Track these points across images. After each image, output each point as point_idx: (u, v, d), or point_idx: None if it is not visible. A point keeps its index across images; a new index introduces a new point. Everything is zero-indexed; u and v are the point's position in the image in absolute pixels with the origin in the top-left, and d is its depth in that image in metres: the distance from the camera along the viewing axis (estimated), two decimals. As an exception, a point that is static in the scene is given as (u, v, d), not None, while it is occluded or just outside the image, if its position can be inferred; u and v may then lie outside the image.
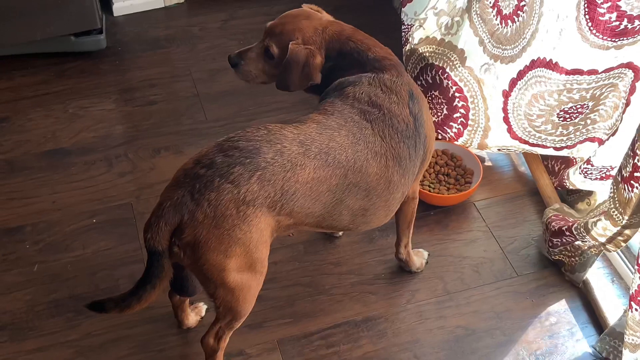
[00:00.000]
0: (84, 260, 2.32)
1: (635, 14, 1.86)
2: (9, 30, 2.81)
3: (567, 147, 2.39)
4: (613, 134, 2.16)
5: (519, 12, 2.23)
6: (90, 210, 2.46)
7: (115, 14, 3.24)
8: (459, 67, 2.48)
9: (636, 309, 1.85)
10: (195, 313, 2.17)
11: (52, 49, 2.97)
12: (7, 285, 2.25)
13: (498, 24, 2.32)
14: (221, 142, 1.73)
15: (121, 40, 3.14)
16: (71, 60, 3.00)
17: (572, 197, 2.46)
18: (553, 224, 2.27)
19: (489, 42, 2.37)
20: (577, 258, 2.22)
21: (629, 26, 1.91)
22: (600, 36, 1.96)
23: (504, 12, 2.28)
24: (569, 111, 2.25)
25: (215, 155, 1.69)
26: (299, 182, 1.73)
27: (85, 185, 2.55)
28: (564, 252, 2.26)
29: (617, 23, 1.91)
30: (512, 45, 2.29)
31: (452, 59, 2.50)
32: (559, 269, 2.33)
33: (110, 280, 2.26)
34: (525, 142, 2.44)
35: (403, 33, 2.65)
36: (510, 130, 2.44)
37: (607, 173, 2.23)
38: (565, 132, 2.34)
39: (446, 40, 2.52)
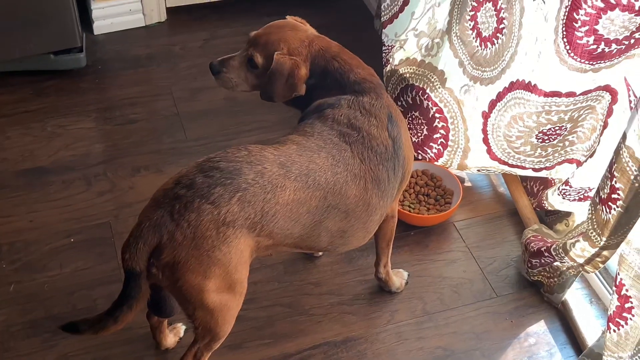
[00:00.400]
0: (61, 280, 2.29)
1: (612, 38, 1.89)
2: (-12, 48, 2.80)
3: (546, 168, 2.41)
4: (591, 156, 2.18)
5: (498, 34, 2.26)
6: (68, 229, 2.44)
7: (95, 32, 3.24)
8: (439, 88, 2.50)
9: (614, 330, 1.86)
10: (174, 334, 2.15)
11: (31, 67, 2.95)
12: (-18, 305, 2.22)
13: (478, 46, 2.34)
14: (201, 162, 1.72)
15: (101, 59, 3.13)
16: (50, 78, 2.98)
17: (551, 217, 2.48)
18: (532, 244, 2.28)
19: (469, 63, 2.39)
20: (555, 279, 2.23)
21: (606, 49, 1.93)
22: (578, 59, 1.99)
23: (484, 34, 2.31)
24: (548, 133, 2.27)
25: (196, 175, 1.68)
26: (279, 204, 1.72)
27: (64, 204, 2.52)
28: (542, 273, 2.27)
29: (595, 46, 1.93)
30: (492, 67, 2.31)
31: (433, 80, 2.52)
32: (538, 290, 2.34)
33: (88, 301, 2.24)
34: (505, 163, 2.46)
35: (384, 54, 2.67)
36: (489, 151, 2.46)
37: (585, 194, 2.25)
38: (544, 153, 2.36)
39: (426, 62, 2.54)
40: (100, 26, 3.23)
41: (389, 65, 2.66)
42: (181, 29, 3.33)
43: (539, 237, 2.31)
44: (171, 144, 2.77)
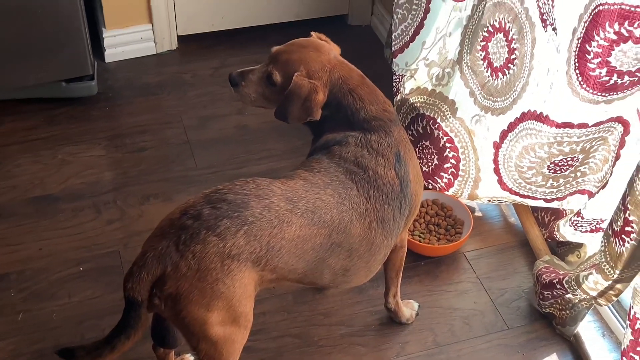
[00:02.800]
0: (70, 309, 2.29)
1: (625, 70, 1.88)
2: (1, 76, 2.81)
3: (558, 199, 2.39)
4: (603, 187, 2.17)
5: (509, 64, 2.25)
6: (77, 257, 2.43)
7: (107, 60, 3.25)
8: (450, 117, 2.50)
9: (629, 365, 1.84)
10: (182, 365, 2.14)
11: (43, 95, 2.97)
12: (-9, 334, 2.21)
13: (489, 76, 2.34)
14: (209, 193, 1.71)
15: (112, 87, 3.14)
16: (62, 105, 3.00)
17: (562, 249, 2.45)
18: (544, 276, 2.26)
19: (480, 93, 2.39)
20: (568, 311, 2.21)
21: (619, 81, 1.92)
22: (591, 91, 1.98)
23: (495, 64, 2.31)
24: (559, 163, 2.26)
25: (203, 206, 1.67)
26: (284, 239, 1.71)
27: (73, 232, 2.52)
28: (554, 305, 2.25)
29: (607, 78, 1.93)
30: (503, 98, 2.31)
31: (443, 109, 2.52)
32: (549, 322, 2.31)
33: (96, 330, 2.22)
34: (516, 194, 2.44)
35: (394, 83, 2.67)
36: (500, 181, 2.45)
37: (598, 226, 2.23)
38: (555, 184, 2.34)
39: (437, 91, 2.54)
40: (112, 54, 3.25)
41: (399, 95, 2.66)
42: (192, 57, 3.34)
43: (551, 269, 2.29)
44: (181, 172, 2.77)
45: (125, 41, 3.24)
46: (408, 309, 2.31)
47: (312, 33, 2.04)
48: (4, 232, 2.50)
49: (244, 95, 2.00)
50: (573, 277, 2.10)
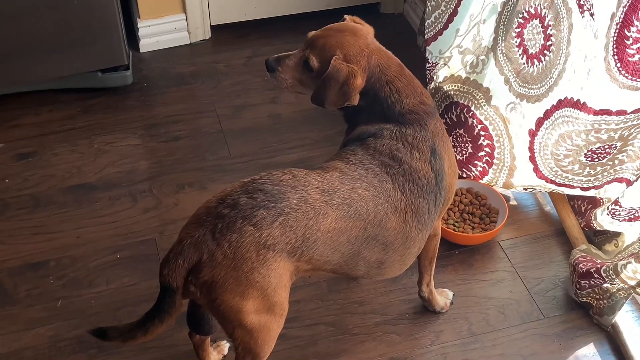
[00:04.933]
0: (107, 296, 2.32)
1: (664, 55, 1.86)
2: (38, 67, 2.85)
3: (595, 187, 2.36)
4: (642, 175, 2.14)
5: (545, 51, 2.23)
6: (114, 245, 2.47)
7: (141, 50, 3.28)
8: (484, 105, 2.48)
9: (668, 355, 1.81)
10: (218, 352, 2.15)
11: (79, 85, 3.00)
12: (31, 320, 2.25)
13: (524, 63, 2.32)
14: (246, 182, 1.72)
15: (147, 76, 3.16)
16: (97, 95, 3.03)
17: (600, 238, 2.43)
18: (581, 265, 2.24)
19: (515, 81, 2.36)
20: (605, 301, 2.18)
21: (659, 67, 1.90)
22: (630, 77, 1.95)
23: (530, 51, 2.28)
24: (597, 151, 2.23)
25: (240, 196, 1.68)
26: (320, 231, 1.71)
27: (110, 220, 2.55)
28: (591, 295, 2.23)
29: (647, 64, 1.90)
30: (539, 85, 2.28)
31: (477, 97, 2.50)
32: (586, 312, 2.29)
33: (133, 316, 2.22)
34: (552, 182, 2.42)
35: (427, 71, 2.66)
36: (536, 169, 2.42)
37: (636, 214, 2.20)
38: (592, 172, 2.31)
39: (471, 79, 2.52)
40: (146, 44, 3.28)
41: (432, 83, 2.65)
42: (225, 47, 3.35)
43: (588, 258, 2.27)
44: (215, 161, 2.79)
45: (159, 31, 3.26)
46: (442, 297, 2.30)
47: (345, 16, 2.02)
48: (42, 220, 2.54)
49: (280, 80, 1.98)
50: (611, 266, 2.07)
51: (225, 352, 2.17)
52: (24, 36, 2.74)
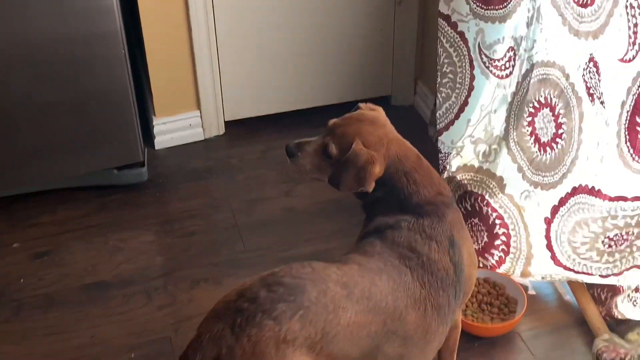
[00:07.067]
0: (122, 398, 2.28)
1: (677, 141, 1.86)
2: (55, 166, 2.89)
3: (614, 274, 2.33)
4: (662, 261, 2.12)
5: (557, 139, 2.24)
6: (128, 344, 2.43)
7: (156, 147, 3.33)
8: (499, 194, 2.48)
9: None
10: None
11: (95, 182, 3.04)
12: None
13: (536, 152, 2.33)
14: (265, 276, 1.71)
15: (162, 173, 3.20)
16: (113, 192, 3.06)
17: (622, 327, 2.37)
18: (604, 355, 2.18)
19: (528, 169, 2.37)
20: (633, 392, 2.12)
21: (672, 153, 1.90)
22: (643, 163, 1.95)
23: (542, 139, 2.30)
24: (614, 238, 2.21)
25: (259, 289, 1.67)
26: (340, 325, 1.69)
27: (125, 318, 2.53)
28: (618, 386, 2.16)
29: (659, 150, 1.91)
30: (552, 172, 2.29)
31: (491, 186, 2.50)
32: (614, 404, 2.22)
33: None
34: (570, 270, 2.39)
35: (440, 161, 2.67)
36: (553, 257, 2.40)
37: (659, 301, 2.16)
38: (611, 259, 2.29)
39: (484, 168, 2.53)
40: (161, 141, 3.33)
41: (446, 172, 2.66)
42: (238, 142, 3.40)
43: (612, 348, 2.21)
44: (230, 255, 2.78)
45: (174, 128, 3.32)
46: (464, 391, 2.25)
47: (359, 104, 2.06)
48: (57, 320, 2.52)
49: (299, 165, 2.00)
50: (636, 356, 2.02)
51: None
52: (42, 136, 2.79)
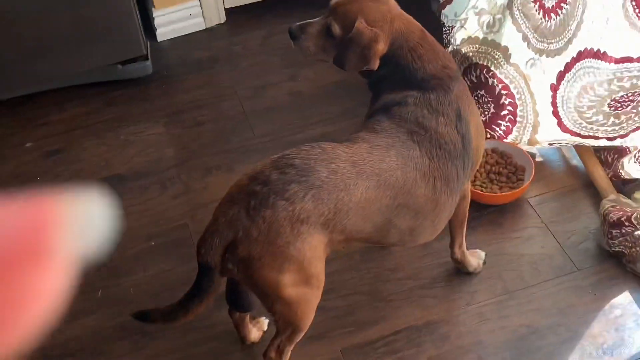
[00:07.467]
0: (146, 283, 2.36)
1: (681, -3, 1.84)
2: (59, 64, 2.89)
3: (620, 136, 2.35)
4: (667, 120, 2.13)
5: (562, 4, 2.21)
6: (148, 233, 2.51)
7: (159, 39, 3.30)
8: (504, 64, 2.47)
9: None
10: (257, 328, 2.19)
11: (100, 78, 3.04)
12: (73, 312, 2.29)
13: (541, 18, 2.30)
14: (276, 159, 1.74)
15: (166, 65, 3.19)
16: (119, 87, 3.06)
17: (629, 186, 2.42)
18: (611, 215, 2.23)
19: (533, 37, 2.35)
20: (638, 248, 2.18)
21: (676, 9, 1.88)
22: (647, 22, 1.93)
23: (546, 5, 2.27)
24: (620, 100, 2.22)
25: (271, 172, 1.70)
26: (351, 202, 1.73)
27: (142, 209, 2.59)
28: (624, 243, 2.22)
29: (663, 7, 1.88)
30: (557, 39, 2.27)
31: (496, 56, 2.49)
32: (619, 261, 2.29)
33: (172, 300, 2.24)
34: (577, 135, 2.41)
35: (444, 35, 2.65)
36: (560, 123, 2.41)
37: (664, 160, 2.19)
38: (617, 121, 2.30)
39: (489, 39, 2.51)
40: (163, 33, 3.30)
41: (450, 46, 2.64)
42: (240, 29, 3.37)
43: (618, 207, 2.26)
44: (240, 142, 2.82)
45: (174, 19, 3.28)
46: (475, 258, 2.32)
47: None
48: (76, 214, 2.59)
49: (303, 48, 1.99)
50: (641, 214, 2.07)
51: (265, 328, 2.20)
52: (43, 35, 2.77)
